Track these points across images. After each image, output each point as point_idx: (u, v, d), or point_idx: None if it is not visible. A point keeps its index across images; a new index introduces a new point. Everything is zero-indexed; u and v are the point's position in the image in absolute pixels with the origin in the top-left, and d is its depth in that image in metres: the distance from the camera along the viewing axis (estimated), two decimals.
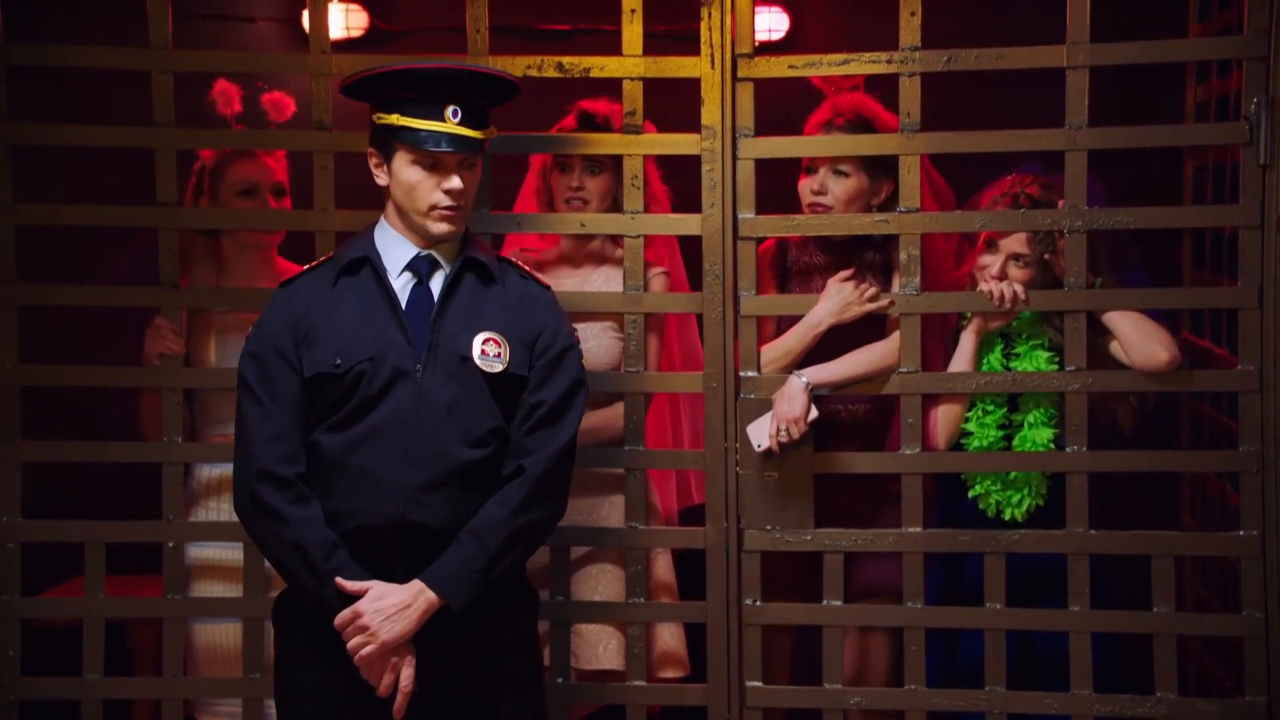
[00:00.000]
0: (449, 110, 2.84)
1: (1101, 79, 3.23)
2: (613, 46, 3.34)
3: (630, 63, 3.32)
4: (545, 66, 3.34)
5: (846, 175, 3.40)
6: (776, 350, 3.38)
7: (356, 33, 4.62)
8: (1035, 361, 3.36)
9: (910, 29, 3.26)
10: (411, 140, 2.83)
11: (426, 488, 2.80)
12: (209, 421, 3.51)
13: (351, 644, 2.77)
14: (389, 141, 2.87)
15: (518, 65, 3.32)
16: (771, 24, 4.62)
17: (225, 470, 3.33)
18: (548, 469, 2.86)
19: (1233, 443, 3.31)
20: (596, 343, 3.47)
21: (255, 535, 2.87)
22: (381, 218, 2.95)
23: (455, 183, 2.85)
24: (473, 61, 3.23)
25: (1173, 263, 4.02)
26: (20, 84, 3.37)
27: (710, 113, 3.32)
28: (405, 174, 2.86)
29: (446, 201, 2.86)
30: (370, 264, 2.89)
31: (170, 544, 3.39)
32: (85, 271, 3.50)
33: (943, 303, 3.37)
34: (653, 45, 3.33)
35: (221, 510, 3.48)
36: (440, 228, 2.87)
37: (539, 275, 3.05)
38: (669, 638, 3.53)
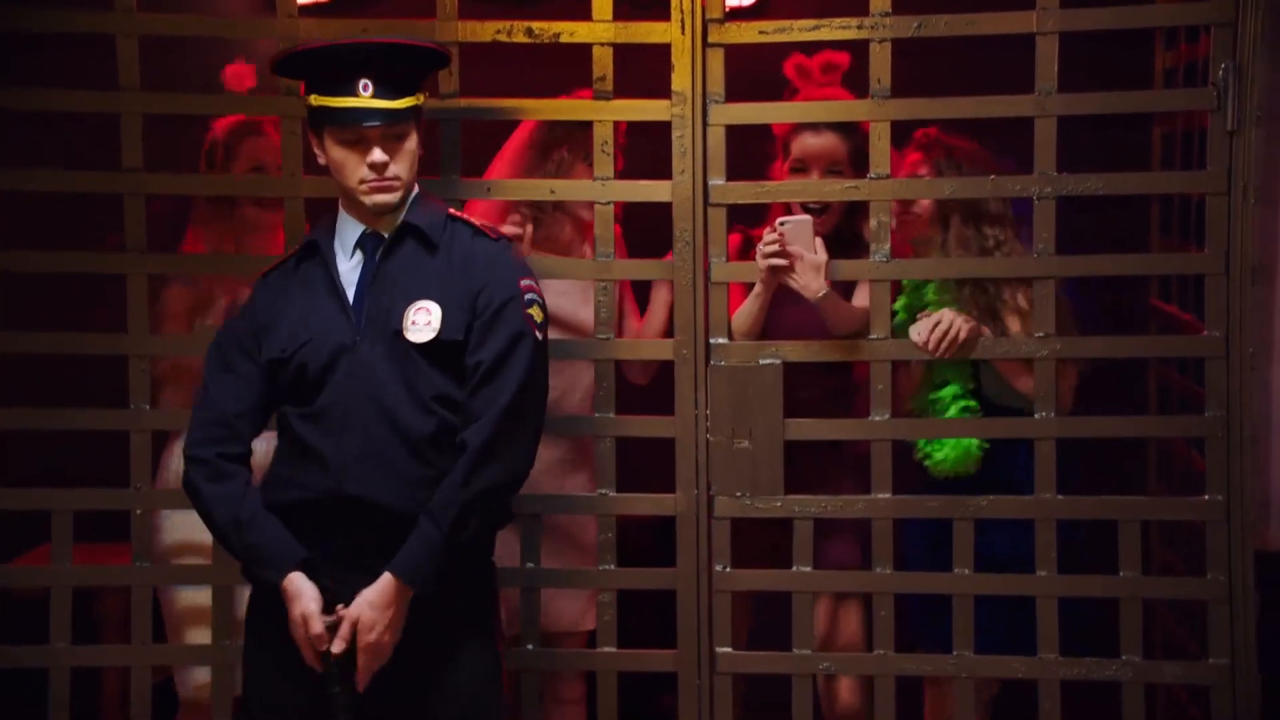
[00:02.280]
0: (360, 84, 2.82)
1: (1070, 45, 3.23)
2: (582, 12, 3.31)
3: (600, 28, 3.30)
4: (515, 32, 3.32)
5: (840, 174, 3.42)
6: (740, 318, 3.38)
7: None
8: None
9: None
10: (331, 119, 2.84)
11: (363, 459, 2.81)
12: None
13: (365, 668, 2.79)
14: (318, 122, 2.88)
15: (486, 30, 3.31)
16: None
17: None
18: (491, 434, 2.81)
19: (1199, 408, 3.33)
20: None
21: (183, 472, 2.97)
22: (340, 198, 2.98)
23: (377, 155, 2.84)
24: (404, 31, 3.28)
25: (1140, 228, 4.03)
26: None
27: (680, 79, 3.30)
28: (333, 153, 2.88)
29: (372, 176, 2.85)
30: (319, 247, 2.93)
31: (138, 511, 3.38)
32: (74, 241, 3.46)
33: (910, 269, 3.38)
34: (622, 11, 3.31)
35: None
36: (374, 199, 2.87)
37: (492, 228, 3.02)
38: None
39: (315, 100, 2.86)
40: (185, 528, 3.48)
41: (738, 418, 3.31)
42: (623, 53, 3.31)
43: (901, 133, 3.41)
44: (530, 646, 3.38)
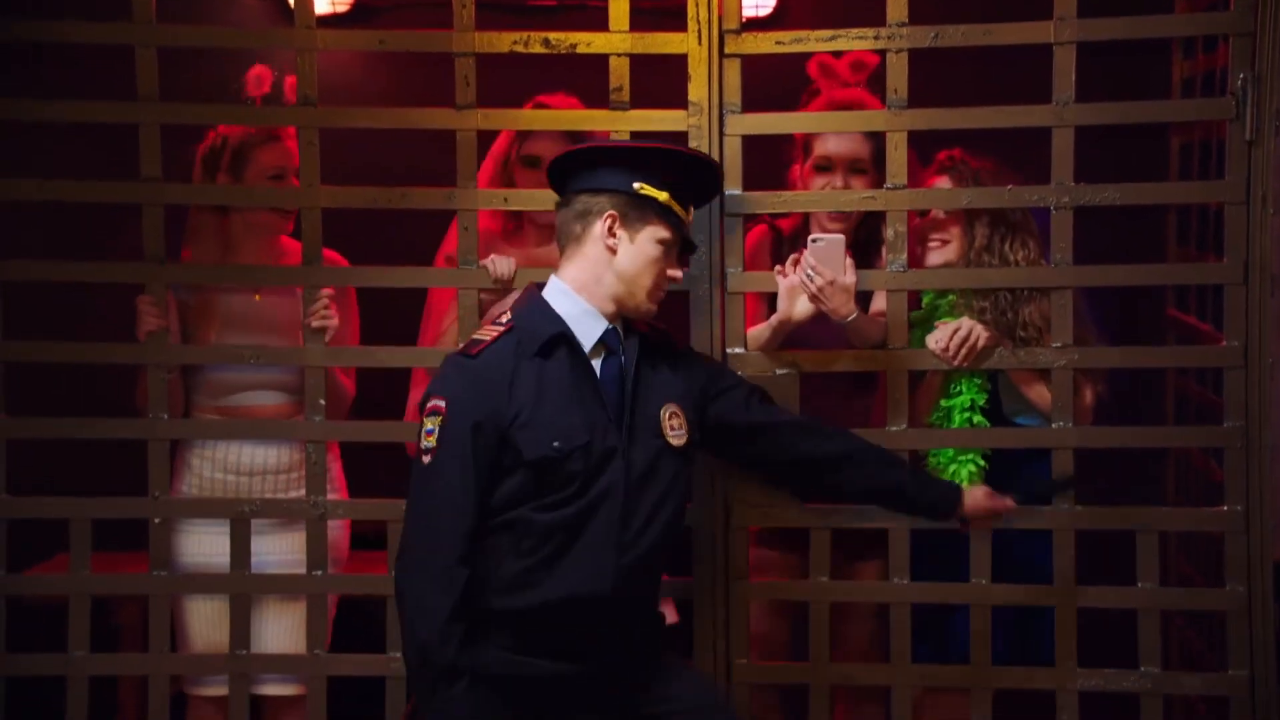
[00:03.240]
0: (691, 207, 2.99)
1: (1088, 54, 3.23)
2: (598, 22, 3.32)
3: (617, 38, 3.31)
4: (531, 42, 3.32)
5: (865, 173, 3.41)
6: (753, 342, 3.36)
7: (342, 7, 4.59)
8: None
9: (897, 5, 3.25)
10: (674, 223, 2.91)
11: (635, 561, 2.87)
12: (209, 394, 3.52)
13: None
14: (644, 213, 2.89)
15: (503, 41, 3.31)
16: (758, 0, 4.61)
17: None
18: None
19: (1217, 418, 3.32)
20: None
21: (413, 602, 2.81)
22: (558, 281, 2.94)
23: (681, 274, 2.99)
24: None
25: (1158, 238, 4.02)
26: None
27: (697, 89, 3.31)
28: (651, 250, 2.90)
29: (666, 287, 2.96)
30: (567, 341, 2.89)
31: (157, 520, 3.39)
32: (82, 251, 3.46)
33: (927, 279, 3.38)
34: (639, 21, 3.32)
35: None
36: (652, 309, 2.95)
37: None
38: None
39: (669, 201, 2.90)
40: (199, 551, 3.50)
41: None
42: (639, 63, 3.32)
43: (925, 150, 3.40)
44: None
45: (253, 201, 3.49)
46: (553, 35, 3.32)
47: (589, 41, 3.32)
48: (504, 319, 2.92)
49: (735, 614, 3.36)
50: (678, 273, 2.97)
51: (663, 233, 2.90)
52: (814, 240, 3.23)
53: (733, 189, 3.31)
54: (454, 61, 3.30)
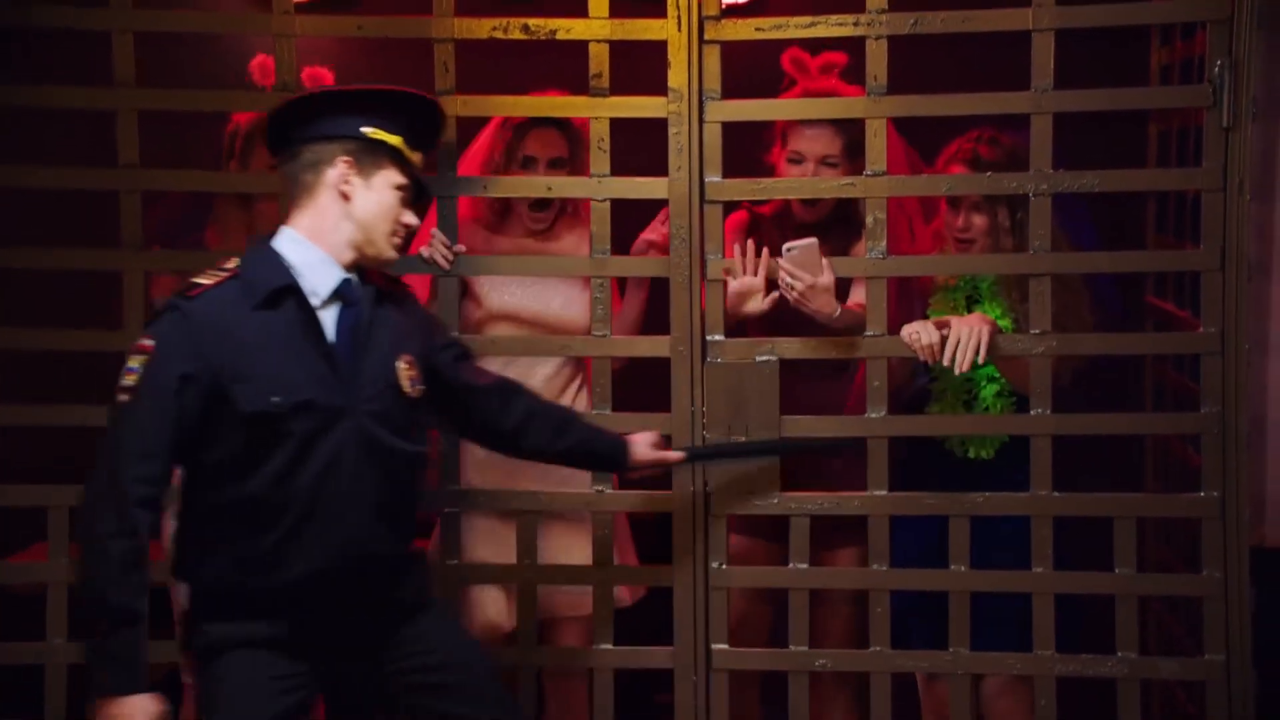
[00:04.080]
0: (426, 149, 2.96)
1: (1071, 41, 3.24)
2: (578, 9, 3.31)
3: (597, 25, 3.30)
4: (511, 28, 3.32)
5: (836, 166, 3.41)
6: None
7: None
8: (992, 312, 3.37)
9: None
10: (407, 167, 2.87)
11: (381, 518, 2.81)
12: None
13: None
14: (378, 158, 2.84)
15: (483, 27, 3.31)
16: None
17: None
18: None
19: (1195, 405, 3.33)
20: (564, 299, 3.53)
21: (89, 542, 2.67)
22: (291, 231, 2.83)
23: (415, 219, 2.91)
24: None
25: (1136, 225, 4.03)
26: None
27: (677, 75, 3.30)
28: (387, 195, 2.85)
29: (404, 232, 2.89)
30: (294, 294, 2.77)
31: None
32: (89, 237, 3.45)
33: (906, 266, 3.38)
34: (619, 7, 3.31)
35: None
36: (393, 256, 2.89)
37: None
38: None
39: (401, 145, 2.86)
40: None
41: (734, 415, 3.31)
42: (619, 49, 3.31)
43: (921, 144, 3.39)
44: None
45: (218, 187, 3.53)
46: (532, 21, 3.31)
47: (569, 28, 3.31)
48: (229, 265, 2.80)
49: (714, 601, 3.36)
50: (413, 219, 2.90)
51: (398, 177, 2.86)
52: (788, 250, 3.25)
53: (712, 176, 3.31)
54: (433, 47, 3.30)
